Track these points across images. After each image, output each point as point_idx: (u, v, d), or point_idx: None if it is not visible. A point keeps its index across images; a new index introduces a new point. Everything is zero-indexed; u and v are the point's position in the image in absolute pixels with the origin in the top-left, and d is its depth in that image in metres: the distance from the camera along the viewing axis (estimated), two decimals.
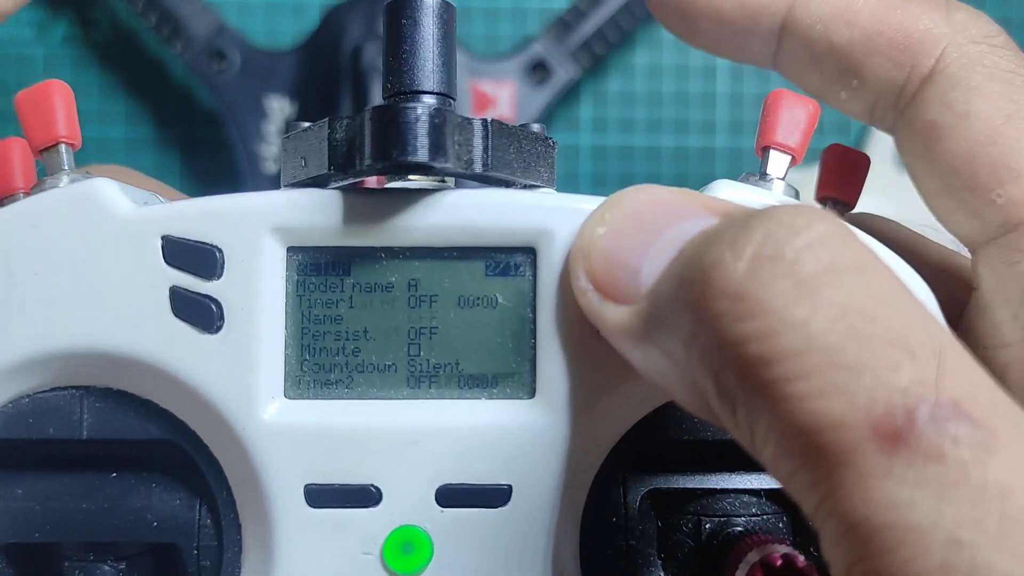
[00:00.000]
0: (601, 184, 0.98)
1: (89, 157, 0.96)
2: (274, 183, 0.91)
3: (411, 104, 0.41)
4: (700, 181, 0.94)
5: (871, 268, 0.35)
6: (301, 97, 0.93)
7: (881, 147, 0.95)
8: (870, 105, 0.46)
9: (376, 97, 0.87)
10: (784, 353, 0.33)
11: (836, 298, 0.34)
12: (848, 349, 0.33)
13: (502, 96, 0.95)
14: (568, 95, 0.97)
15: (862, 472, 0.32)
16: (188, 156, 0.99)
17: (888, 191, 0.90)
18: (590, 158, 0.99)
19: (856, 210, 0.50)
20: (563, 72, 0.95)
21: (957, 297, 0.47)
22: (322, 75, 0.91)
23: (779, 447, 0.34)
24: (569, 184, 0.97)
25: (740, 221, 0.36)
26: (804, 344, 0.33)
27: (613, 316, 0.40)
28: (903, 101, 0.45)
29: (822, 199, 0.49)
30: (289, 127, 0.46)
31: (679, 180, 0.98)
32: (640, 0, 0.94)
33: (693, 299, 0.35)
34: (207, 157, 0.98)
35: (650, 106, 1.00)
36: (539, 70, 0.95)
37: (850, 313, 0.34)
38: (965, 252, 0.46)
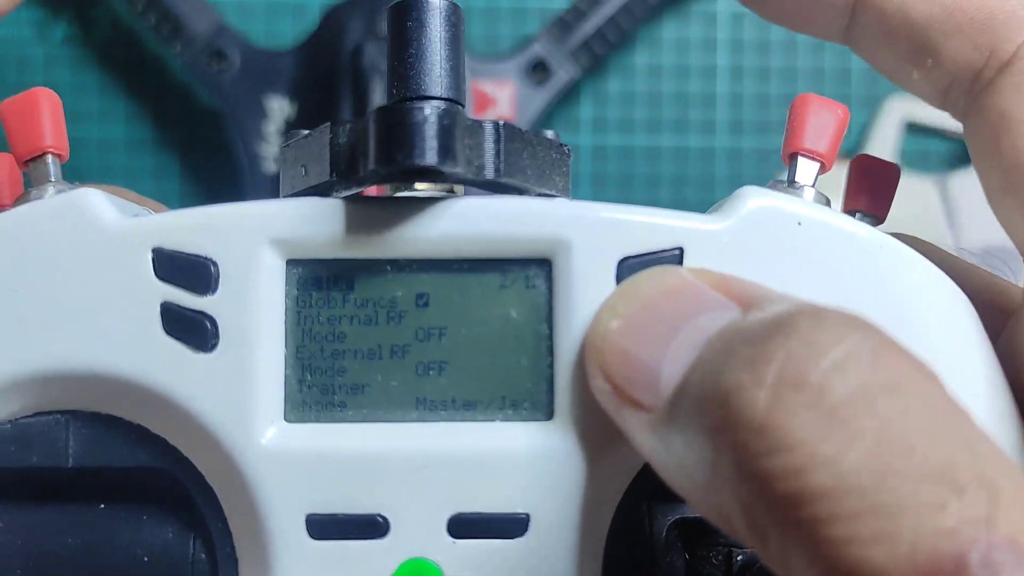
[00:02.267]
0: (601, 184, 0.95)
1: (89, 157, 0.94)
2: (274, 183, 0.89)
3: (418, 105, 0.38)
4: (700, 181, 0.95)
5: (907, 386, 0.31)
6: (301, 97, 0.90)
7: (881, 147, 0.93)
8: (944, 88, 0.43)
9: (377, 97, 0.85)
10: (816, 493, 0.29)
11: (868, 429, 0.29)
12: (885, 488, 0.29)
13: (502, 96, 0.92)
14: (568, 95, 0.95)
15: None
16: (188, 156, 0.96)
17: (896, 193, 0.87)
18: (590, 158, 0.96)
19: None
20: (563, 72, 0.92)
21: (996, 320, 0.42)
22: (322, 75, 0.89)
23: None
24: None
25: (757, 334, 0.32)
26: (837, 483, 0.29)
27: (634, 423, 0.36)
28: (978, 87, 0.41)
29: (851, 212, 0.45)
30: (288, 135, 0.43)
31: (679, 180, 0.96)
32: (640, 0, 0.92)
33: (714, 425, 0.31)
34: (207, 157, 0.95)
35: (650, 106, 0.97)
36: (539, 70, 0.92)
37: (885, 445, 0.29)
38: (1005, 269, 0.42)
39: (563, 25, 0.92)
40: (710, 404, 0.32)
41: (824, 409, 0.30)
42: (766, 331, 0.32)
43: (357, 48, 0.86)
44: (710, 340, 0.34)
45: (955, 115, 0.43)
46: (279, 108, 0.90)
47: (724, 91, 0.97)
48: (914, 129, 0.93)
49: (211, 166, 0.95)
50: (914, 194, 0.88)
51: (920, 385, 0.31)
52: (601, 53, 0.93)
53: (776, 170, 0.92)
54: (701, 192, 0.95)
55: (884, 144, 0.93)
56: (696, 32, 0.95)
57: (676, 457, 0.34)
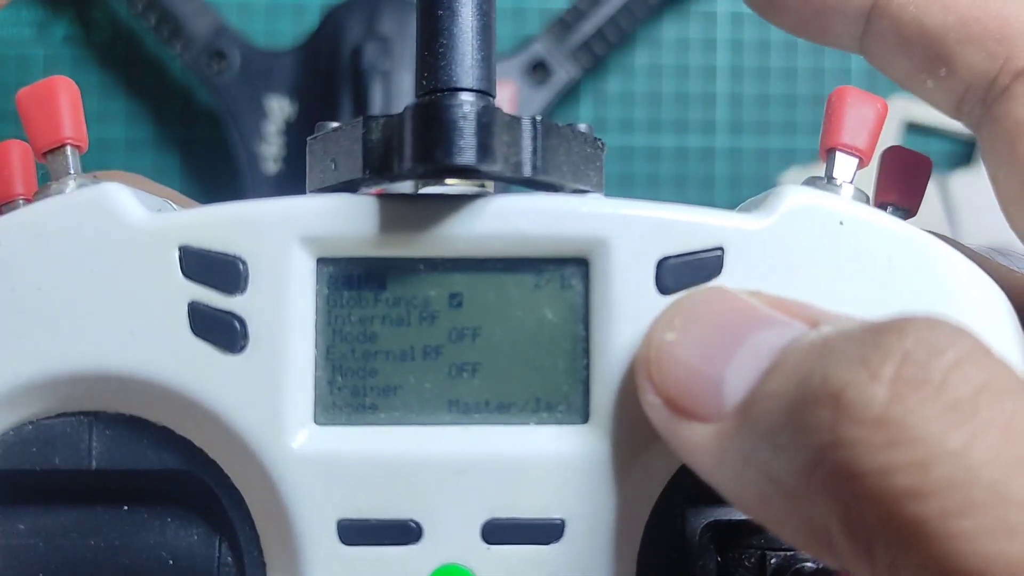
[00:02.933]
0: None
1: (89, 157, 0.91)
2: (274, 183, 0.88)
3: (456, 101, 0.36)
4: (700, 181, 0.94)
5: (1021, 385, 0.30)
6: (301, 97, 0.90)
7: (881, 147, 0.91)
8: (958, 97, 0.42)
9: (376, 98, 0.85)
10: (941, 485, 0.28)
11: (997, 421, 0.29)
12: (1016, 480, 0.28)
13: (502, 96, 0.91)
14: (568, 95, 0.94)
15: None
16: (188, 156, 0.95)
17: None
18: None
19: None
20: (563, 72, 0.92)
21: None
22: (322, 75, 0.88)
23: None
24: None
25: (865, 336, 0.31)
26: (965, 476, 0.28)
27: (691, 435, 0.35)
28: (992, 96, 0.41)
29: (881, 205, 0.43)
30: (316, 127, 0.41)
31: (679, 180, 0.95)
32: (640, 0, 0.92)
33: (816, 423, 0.30)
34: (207, 157, 0.95)
35: (650, 106, 0.96)
36: (539, 70, 0.92)
37: (1015, 438, 0.28)
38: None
39: (563, 25, 0.92)
40: (810, 404, 0.31)
41: (948, 404, 0.29)
42: (877, 333, 0.31)
43: (357, 48, 0.86)
44: (784, 348, 0.33)
45: (969, 125, 0.43)
46: (279, 108, 0.89)
47: (724, 91, 0.96)
48: (914, 129, 0.92)
49: (211, 166, 0.94)
50: (928, 196, 0.87)
51: None
52: (601, 53, 0.92)
53: (776, 171, 0.92)
54: (701, 192, 0.94)
55: (884, 144, 0.92)
56: (696, 32, 0.94)
57: (750, 469, 0.33)
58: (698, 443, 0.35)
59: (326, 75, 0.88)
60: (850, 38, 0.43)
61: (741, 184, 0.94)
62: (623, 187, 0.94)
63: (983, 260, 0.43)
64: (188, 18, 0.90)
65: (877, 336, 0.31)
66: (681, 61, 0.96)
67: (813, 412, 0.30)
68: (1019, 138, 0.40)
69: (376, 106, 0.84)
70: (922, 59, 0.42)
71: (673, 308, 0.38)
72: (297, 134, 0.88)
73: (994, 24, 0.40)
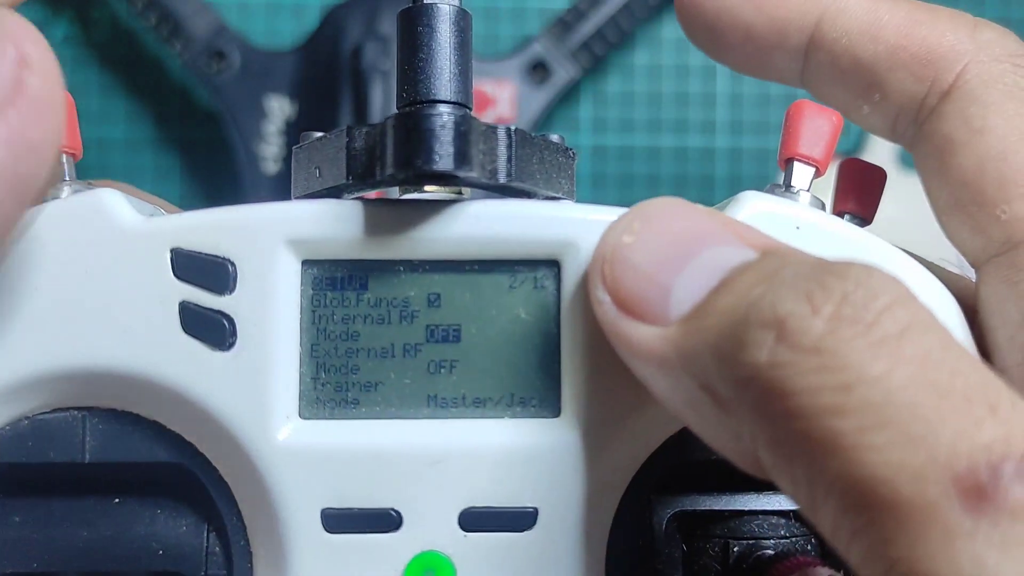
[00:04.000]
0: (601, 184, 0.96)
1: (89, 157, 0.93)
2: (274, 183, 0.90)
3: (435, 111, 0.39)
4: (700, 181, 0.96)
5: (943, 330, 0.33)
6: (301, 97, 0.91)
7: (883, 147, 0.94)
8: (891, 120, 0.45)
9: (377, 97, 0.86)
10: (860, 405, 0.31)
11: (915, 354, 0.32)
12: (928, 402, 0.31)
13: (502, 96, 0.93)
14: (568, 95, 0.96)
15: (944, 530, 0.30)
16: (188, 156, 0.97)
17: (890, 192, 0.88)
18: (590, 158, 0.97)
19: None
20: (563, 72, 0.94)
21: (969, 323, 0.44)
22: (322, 75, 0.90)
23: (845, 500, 0.32)
24: None
25: (811, 272, 0.34)
26: (882, 397, 0.31)
27: (635, 335, 0.38)
28: (922, 116, 0.44)
29: (839, 213, 0.47)
30: (301, 136, 0.44)
31: (679, 180, 0.97)
32: (640, 0, 0.93)
33: (758, 343, 0.33)
34: (207, 157, 0.97)
35: (650, 106, 0.98)
36: (539, 70, 0.94)
37: (930, 368, 0.32)
38: (972, 275, 0.45)
39: (563, 25, 0.94)
40: (750, 327, 0.34)
41: (875, 339, 0.32)
42: (822, 272, 0.34)
43: (357, 48, 0.88)
44: (733, 270, 0.36)
45: (904, 145, 0.46)
46: (279, 108, 0.91)
47: (724, 91, 0.98)
48: None
49: (211, 166, 0.96)
50: (912, 195, 0.89)
51: (949, 332, 0.33)
52: (601, 53, 0.94)
53: (776, 171, 0.93)
54: (701, 192, 0.96)
55: (883, 146, 0.94)
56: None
57: (686, 376, 0.36)
58: (641, 343, 0.37)
59: (326, 75, 0.89)
60: (791, 73, 0.46)
61: (741, 184, 0.94)
62: (623, 187, 0.96)
63: (933, 267, 0.46)
64: (188, 18, 0.91)
65: (822, 275, 0.33)
66: (681, 61, 0.98)
67: (756, 333, 0.33)
68: (947, 153, 0.43)
69: (376, 106, 0.85)
70: (857, 87, 0.45)
71: (633, 212, 0.40)
72: (297, 134, 0.87)
73: (919, 50, 0.43)
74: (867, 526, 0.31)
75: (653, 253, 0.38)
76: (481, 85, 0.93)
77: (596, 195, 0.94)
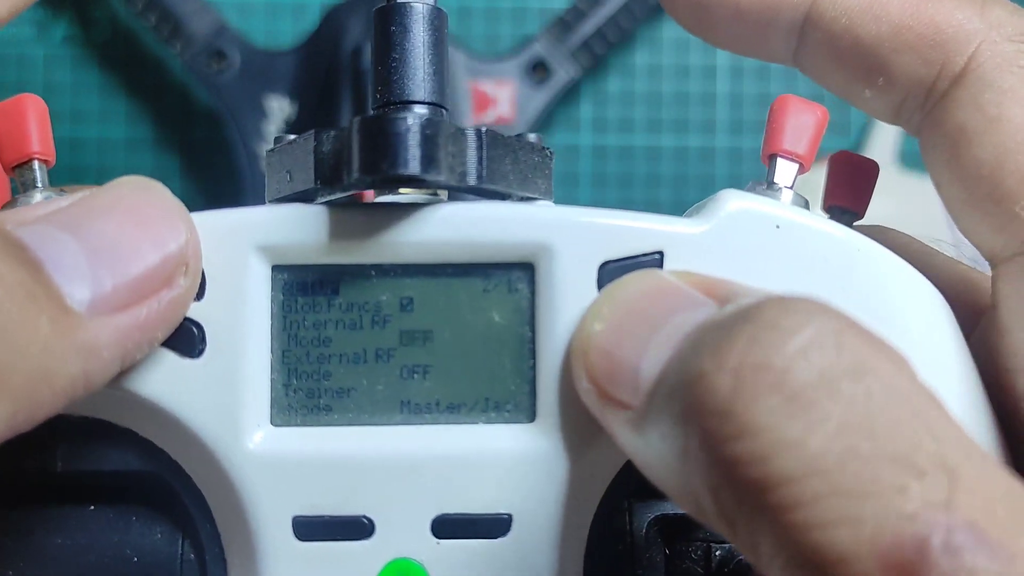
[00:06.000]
0: (601, 184, 0.96)
1: (89, 157, 0.95)
2: None
3: (401, 115, 0.38)
4: (700, 181, 0.95)
5: (871, 370, 0.31)
6: (301, 97, 0.91)
7: (883, 146, 0.93)
8: (896, 105, 0.43)
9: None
10: (781, 477, 0.30)
11: (832, 412, 0.30)
12: (848, 472, 0.29)
13: (502, 96, 0.93)
14: (568, 95, 0.96)
15: None
16: (188, 156, 0.97)
17: (889, 191, 0.88)
18: (590, 158, 0.97)
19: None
20: (563, 72, 0.93)
21: (971, 314, 0.43)
22: (322, 75, 0.90)
23: (786, 570, 0.30)
24: (569, 184, 0.95)
25: (725, 322, 0.33)
26: (801, 468, 0.30)
27: (614, 421, 0.37)
28: (931, 102, 0.42)
29: (830, 208, 0.46)
30: (275, 140, 0.43)
31: (679, 180, 0.97)
32: (640, 0, 0.93)
33: (683, 412, 0.32)
34: (207, 157, 0.97)
35: (650, 106, 0.98)
36: (539, 70, 0.94)
37: (847, 429, 0.30)
38: (984, 267, 0.43)
39: (563, 25, 0.93)
40: (680, 393, 0.32)
41: (788, 393, 0.30)
42: (732, 319, 0.32)
43: (357, 48, 0.87)
44: (687, 335, 0.35)
45: (909, 130, 0.44)
46: (279, 108, 0.91)
47: (724, 91, 0.98)
48: None
49: (211, 166, 0.96)
50: (914, 194, 0.88)
51: (884, 369, 0.31)
52: (601, 53, 0.94)
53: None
54: (701, 192, 0.93)
55: (884, 144, 0.94)
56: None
57: (654, 450, 0.35)
58: (621, 429, 0.37)
59: (326, 75, 0.89)
60: (784, 52, 0.44)
61: (741, 184, 0.92)
62: (623, 187, 0.95)
63: (929, 251, 0.45)
64: (188, 18, 0.91)
65: (732, 321, 0.32)
66: (681, 61, 0.97)
67: (680, 401, 0.32)
68: (961, 144, 0.40)
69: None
70: (858, 70, 0.43)
71: (602, 297, 0.40)
72: (298, 134, 0.87)
73: (927, 30, 0.41)
74: None
75: (620, 335, 0.38)
76: (481, 85, 0.92)
77: (596, 195, 0.94)
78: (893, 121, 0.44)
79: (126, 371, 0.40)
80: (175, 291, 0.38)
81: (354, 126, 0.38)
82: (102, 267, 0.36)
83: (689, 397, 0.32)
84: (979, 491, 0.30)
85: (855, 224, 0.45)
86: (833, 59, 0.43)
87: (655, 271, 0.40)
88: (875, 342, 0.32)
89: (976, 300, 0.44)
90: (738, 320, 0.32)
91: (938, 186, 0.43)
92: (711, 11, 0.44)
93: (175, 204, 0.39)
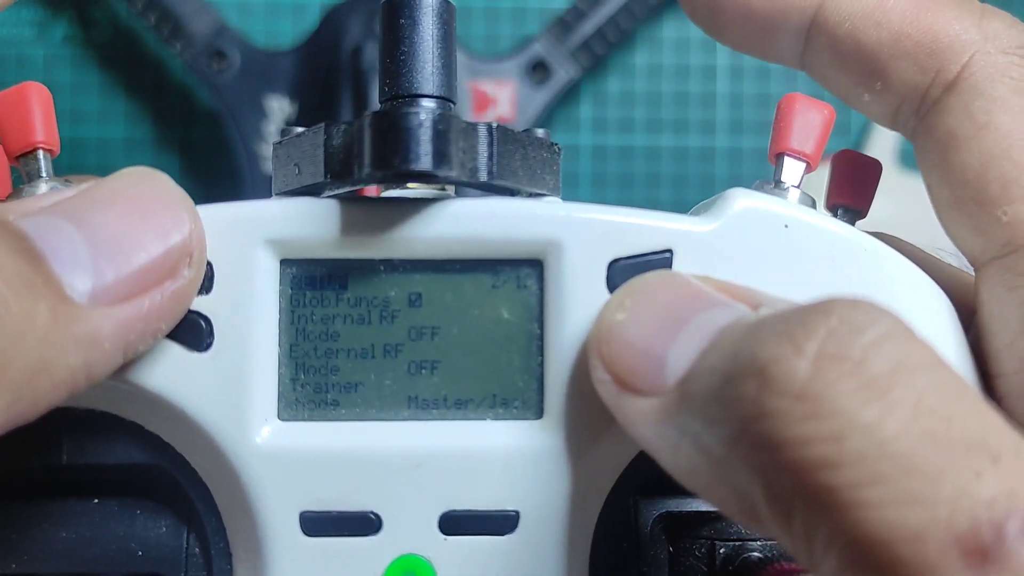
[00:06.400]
0: (601, 184, 0.96)
1: (89, 157, 0.95)
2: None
3: (413, 109, 0.38)
4: (700, 181, 0.95)
5: (939, 365, 0.32)
6: (301, 97, 0.91)
7: (883, 146, 0.93)
8: (893, 109, 0.43)
9: (376, 97, 0.84)
10: (853, 457, 0.30)
11: (908, 398, 0.30)
12: (924, 454, 0.30)
13: (502, 96, 0.92)
14: (568, 95, 0.96)
15: None
16: (188, 156, 0.97)
17: (890, 191, 0.88)
18: (590, 158, 0.97)
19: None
20: (563, 72, 0.93)
21: (963, 317, 0.43)
22: (322, 75, 0.89)
23: (844, 558, 0.30)
24: (569, 184, 0.95)
25: (793, 314, 0.33)
26: (875, 449, 0.30)
27: (635, 409, 0.37)
28: (925, 107, 0.42)
29: (833, 207, 0.46)
30: (282, 132, 0.43)
31: (679, 180, 0.97)
32: (640, 0, 0.93)
33: (743, 396, 0.32)
34: (207, 157, 0.96)
35: (650, 106, 0.98)
36: (539, 70, 0.93)
37: (924, 414, 0.30)
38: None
39: (563, 25, 0.93)
40: (739, 377, 0.32)
41: (864, 380, 0.31)
42: (804, 312, 0.33)
43: (357, 48, 0.87)
44: (724, 329, 0.35)
45: (905, 134, 0.44)
46: (279, 108, 0.90)
47: (724, 91, 0.97)
48: None
49: (211, 166, 0.96)
50: (914, 194, 0.88)
51: (948, 367, 0.32)
52: (601, 53, 0.94)
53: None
54: (701, 192, 0.95)
55: (884, 144, 0.93)
56: (696, 32, 0.94)
57: (686, 440, 0.35)
58: (641, 416, 0.37)
59: (326, 75, 0.89)
60: (792, 55, 0.45)
61: (741, 184, 0.93)
62: (623, 187, 0.95)
63: (930, 258, 0.45)
64: (188, 18, 0.91)
65: (804, 315, 0.32)
66: (681, 61, 0.97)
67: (740, 385, 0.32)
68: (950, 149, 0.41)
69: (376, 106, 0.83)
70: (859, 74, 0.43)
71: (624, 289, 0.40)
72: None
73: (925, 38, 0.41)
74: None
75: (646, 327, 0.38)
76: (481, 85, 0.92)
77: (596, 195, 0.94)
78: (890, 125, 0.44)
79: (133, 364, 0.39)
80: (179, 282, 0.38)
81: (365, 120, 0.38)
82: (104, 258, 0.36)
83: (754, 380, 0.32)
84: None
85: (858, 225, 0.45)
86: (836, 62, 0.44)
87: (678, 273, 0.40)
88: (931, 345, 0.32)
89: (969, 303, 0.44)
90: (811, 312, 0.32)
91: (928, 189, 0.43)
92: (725, 13, 0.44)
93: (179, 195, 0.39)
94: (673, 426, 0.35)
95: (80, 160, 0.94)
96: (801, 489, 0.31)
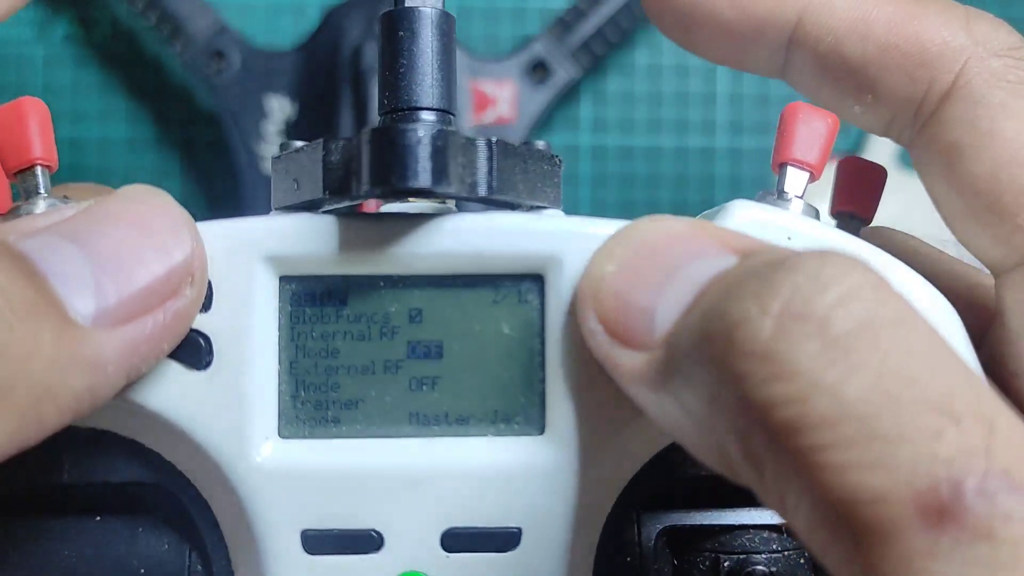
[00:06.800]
0: (601, 184, 0.96)
1: (89, 157, 0.95)
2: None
3: (411, 126, 0.37)
4: (700, 181, 0.95)
5: (908, 322, 0.31)
6: (301, 97, 0.90)
7: (882, 146, 0.93)
8: (886, 121, 0.43)
9: (376, 98, 0.84)
10: (816, 420, 0.30)
11: (871, 359, 0.30)
12: (885, 416, 0.30)
13: (502, 96, 0.92)
14: (568, 95, 0.95)
15: (906, 551, 0.29)
16: (188, 156, 0.96)
17: (889, 191, 0.88)
18: (590, 158, 0.96)
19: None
20: (563, 72, 0.93)
21: (981, 319, 0.43)
22: (322, 75, 0.89)
23: (812, 516, 0.31)
24: (569, 184, 0.95)
25: (763, 271, 0.32)
26: (837, 411, 0.30)
27: (625, 362, 0.37)
28: (922, 118, 0.42)
29: (838, 214, 0.46)
30: (280, 147, 0.42)
31: (679, 180, 0.96)
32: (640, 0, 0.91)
33: (716, 356, 0.32)
34: (207, 157, 0.96)
35: (650, 106, 0.97)
36: (539, 70, 0.93)
37: (886, 375, 0.30)
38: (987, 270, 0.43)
39: (563, 25, 0.93)
40: (712, 337, 0.32)
41: (827, 340, 0.30)
42: (771, 267, 0.32)
43: (357, 49, 0.87)
44: (709, 281, 0.35)
45: (901, 143, 0.44)
46: (279, 108, 0.90)
47: (724, 91, 0.97)
48: None
49: (211, 166, 0.95)
50: (915, 195, 0.88)
51: (920, 323, 0.32)
52: (601, 53, 0.93)
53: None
54: (701, 192, 0.95)
55: (884, 145, 0.93)
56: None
57: (671, 395, 0.35)
58: (630, 369, 0.36)
59: (326, 75, 0.88)
60: (772, 68, 0.44)
61: (741, 184, 0.94)
62: (623, 187, 0.95)
63: (939, 258, 0.45)
64: (188, 18, 0.90)
65: (771, 271, 0.32)
66: (681, 61, 0.97)
67: (713, 345, 0.32)
68: (955, 159, 0.41)
69: (376, 107, 0.84)
70: (846, 87, 0.43)
71: (614, 238, 0.39)
72: (297, 134, 0.87)
73: (913, 49, 0.41)
74: (834, 541, 0.30)
75: (635, 277, 0.37)
76: (481, 85, 0.92)
77: (596, 195, 0.94)
78: (883, 135, 0.44)
79: (133, 383, 0.39)
80: (180, 302, 0.37)
81: (364, 136, 0.38)
82: (106, 278, 0.35)
83: (724, 341, 0.32)
84: (1013, 442, 0.30)
85: (864, 229, 0.45)
86: (821, 76, 0.43)
87: (671, 216, 0.39)
88: (906, 299, 0.32)
89: (981, 303, 0.44)
90: (779, 269, 0.32)
91: (934, 198, 0.43)
92: (696, 27, 0.44)
93: (180, 214, 0.38)
94: (658, 381, 0.35)
95: (80, 160, 0.94)
96: (771, 449, 0.31)
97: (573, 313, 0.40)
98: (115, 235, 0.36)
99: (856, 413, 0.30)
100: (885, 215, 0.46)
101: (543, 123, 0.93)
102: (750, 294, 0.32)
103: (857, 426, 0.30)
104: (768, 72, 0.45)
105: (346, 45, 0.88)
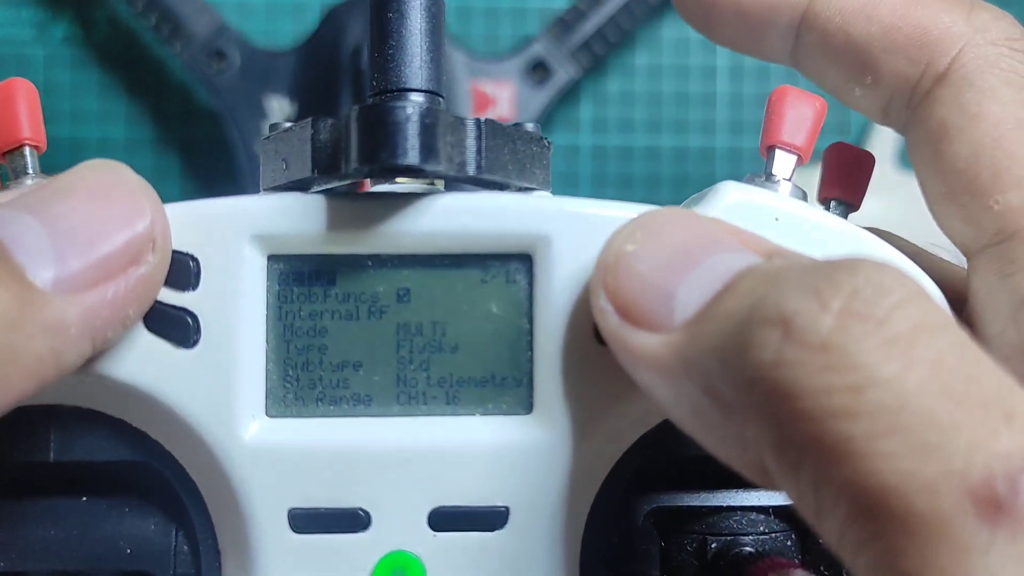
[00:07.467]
0: (601, 184, 0.96)
1: (89, 157, 0.90)
2: None
3: (400, 103, 0.38)
4: (700, 181, 0.95)
5: (957, 330, 0.32)
6: (301, 97, 0.90)
7: (882, 146, 0.93)
8: (884, 103, 0.44)
9: None
10: (871, 408, 0.30)
11: (928, 357, 0.31)
12: (942, 409, 0.30)
13: (502, 96, 0.92)
14: (568, 95, 0.95)
15: (959, 544, 0.29)
16: (188, 156, 0.96)
17: (889, 190, 0.88)
18: (590, 158, 0.97)
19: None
20: (563, 72, 0.93)
21: (956, 313, 0.43)
22: (322, 75, 0.89)
23: (854, 509, 0.30)
24: (569, 184, 0.95)
25: (819, 270, 0.33)
26: (895, 400, 0.30)
27: (638, 343, 0.37)
28: (916, 99, 0.43)
29: (825, 200, 0.46)
30: (270, 128, 0.42)
31: (679, 180, 0.96)
32: (640, 0, 0.93)
33: (764, 342, 0.32)
34: (207, 157, 0.96)
35: (650, 106, 0.97)
36: (539, 70, 0.93)
37: (944, 372, 0.30)
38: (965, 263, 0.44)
39: (563, 25, 0.93)
40: (759, 325, 0.32)
41: (887, 338, 0.31)
42: (831, 268, 0.33)
43: (357, 48, 0.87)
44: (738, 274, 0.35)
45: (897, 128, 0.45)
46: (279, 108, 0.90)
47: (724, 91, 0.97)
48: None
49: (211, 166, 0.96)
50: (913, 192, 0.88)
51: (963, 331, 0.32)
52: (601, 53, 0.93)
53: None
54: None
55: (884, 142, 0.93)
56: (696, 32, 0.95)
57: (689, 383, 0.35)
58: (644, 351, 0.36)
59: (326, 75, 0.89)
60: (783, 51, 0.45)
61: None
62: (623, 187, 0.95)
63: (923, 253, 0.45)
64: (188, 18, 0.91)
65: (830, 271, 0.32)
66: (681, 61, 0.97)
67: (762, 332, 0.32)
68: (941, 140, 0.41)
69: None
70: (849, 68, 0.43)
71: (636, 222, 0.39)
72: None
73: (915, 31, 0.42)
74: (876, 537, 0.30)
75: (656, 260, 0.37)
76: (481, 85, 0.92)
77: (596, 195, 0.92)
78: (881, 120, 0.45)
79: (120, 361, 0.39)
80: (143, 268, 0.38)
81: (352, 114, 0.38)
82: (66, 246, 0.36)
83: (779, 329, 0.32)
84: None
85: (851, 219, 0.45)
86: (827, 57, 0.44)
87: (690, 211, 0.40)
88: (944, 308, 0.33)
89: (961, 298, 0.44)
90: (838, 269, 0.32)
91: (920, 181, 0.43)
92: (716, 11, 0.45)
93: (139, 183, 0.39)
94: (678, 365, 0.35)
95: (80, 160, 0.93)
96: (814, 438, 0.31)
97: (562, 293, 0.40)
98: (74, 205, 0.37)
99: (914, 404, 0.30)
100: (879, 214, 0.46)
101: (543, 123, 0.92)
102: (810, 289, 0.32)
103: (914, 415, 0.30)
104: (779, 56, 0.46)
105: (346, 45, 0.88)
